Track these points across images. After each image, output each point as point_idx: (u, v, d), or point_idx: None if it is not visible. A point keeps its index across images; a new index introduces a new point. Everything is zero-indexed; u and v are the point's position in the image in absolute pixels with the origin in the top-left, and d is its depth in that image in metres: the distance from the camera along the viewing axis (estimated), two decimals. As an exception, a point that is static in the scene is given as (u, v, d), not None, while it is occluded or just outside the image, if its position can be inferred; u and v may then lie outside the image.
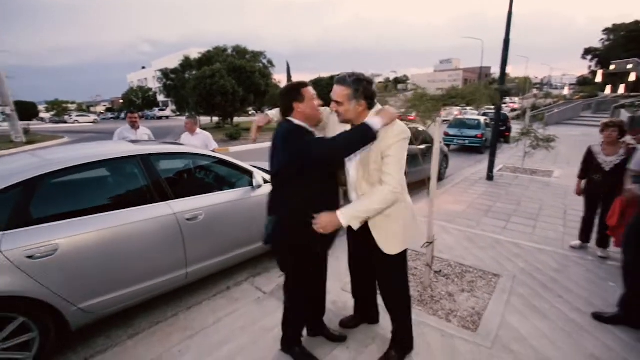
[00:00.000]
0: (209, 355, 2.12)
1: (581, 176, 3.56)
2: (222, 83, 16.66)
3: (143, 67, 63.42)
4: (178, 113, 39.53)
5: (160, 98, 35.83)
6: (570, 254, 3.48)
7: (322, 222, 1.64)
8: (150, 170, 2.51)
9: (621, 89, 26.20)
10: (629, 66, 27.08)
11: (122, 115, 40.28)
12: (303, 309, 2.04)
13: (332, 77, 29.67)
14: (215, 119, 22.57)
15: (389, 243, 1.79)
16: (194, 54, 23.49)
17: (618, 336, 2.23)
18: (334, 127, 1.86)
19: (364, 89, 1.64)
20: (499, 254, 3.48)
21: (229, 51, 21.32)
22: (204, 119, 19.91)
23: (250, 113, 42.93)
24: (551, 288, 2.84)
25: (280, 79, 29.80)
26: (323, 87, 31.44)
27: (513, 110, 24.13)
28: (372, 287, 2.24)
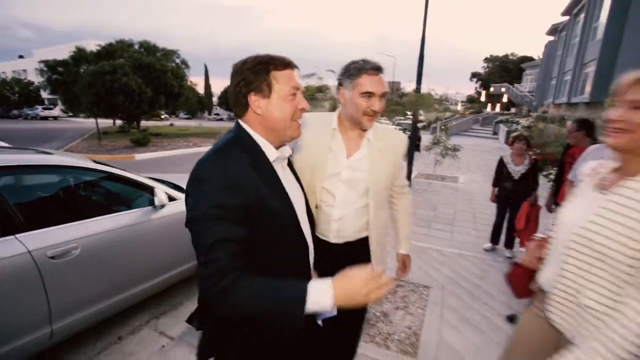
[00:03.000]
0: None
1: (495, 184, 3.86)
2: (125, 81, 14.43)
3: (21, 56, 52.74)
4: (70, 113, 33.59)
5: (46, 94, 29.87)
6: (485, 257, 3.71)
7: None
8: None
9: (498, 108, 31.66)
10: (502, 89, 32.98)
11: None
12: None
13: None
14: (119, 122, 19.67)
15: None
16: (91, 46, 20.16)
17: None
18: (374, 170, 1.37)
19: None
20: (426, 263, 3.51)
21: (136, 47, 18.79)
22: (103, 122, 17.10)
23: (162, 117, 38.96)
24: (477, 296, 2.91)
25: (197, 81, 27.77)
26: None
27: (420, 121, 26.98)
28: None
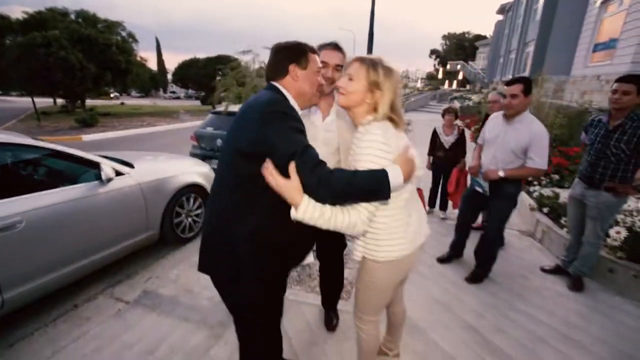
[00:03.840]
0: (43, 399, 1.66)
1: (430, 153, 4.28)
2: (62, 55, 13.11)
3: None
4: (-1, 92, 29.94)
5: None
6: (421, 218, 4.18)
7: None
8: None
9: (455, 85, 33.10)
10: (458, 66, 34.37)
11: None
12: None
13: (208, 59, 27.21)
14: (61, 101, 17.99)
15: None
16: (17, 14, 17.89)
17: (450, 279, 2.80)
18: (341, 131, 1.67)
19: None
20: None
21: (72, 16, 16.91)
22: (41, 101, 15.53)
23: (112, 95, 35.90)
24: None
25: (147, 57, 25.79)
26: (199, 68, 28.64)
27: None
28: None
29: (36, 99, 13.18)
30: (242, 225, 1.17)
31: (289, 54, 1.22)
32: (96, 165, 2.54)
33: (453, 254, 3.10)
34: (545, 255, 3.26)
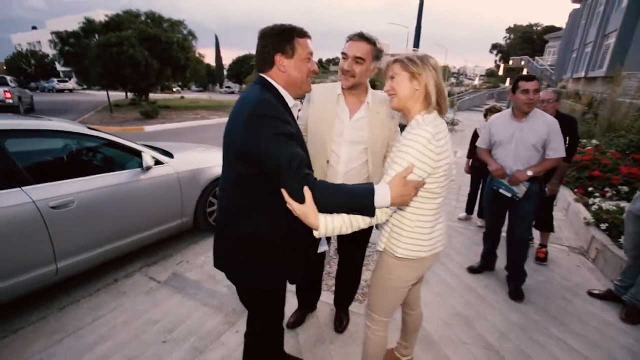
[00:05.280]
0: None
1: (469, 155, 4.00)
2: (131, 53, 14.54)
3: (34, 27, 52.82)
4: (84, 86, 34.12)
5: (60, 67, 30.37)
6: (456, 225, 3.93)
7: None
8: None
9: (517, 82, 30.44)
10: (522, 62, 31.46)
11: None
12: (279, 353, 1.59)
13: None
14: (130, 94, 20.01)
15: None
16: (100, 17, 20.15)
17: (476, 292, 2.60)
18: (373, 129, 1.64)
19: (378, 52, 1.55)
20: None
21: (142, 17, 18.67)
22: (114, 94, 17.42)
23: (174, 90, 39.01)
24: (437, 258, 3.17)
25: (205, 53, 27.52)
26: (252, 64, 29.82)
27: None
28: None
29: (111, 93, 14.82)
30: (243, 224, 1.18)
31: (274, 43, 1.14)
32: (139, 154, 2.79)
33: (485, 265, 2.89)
34: (597, 278, 2.88)
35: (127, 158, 2.84)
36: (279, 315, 1.45)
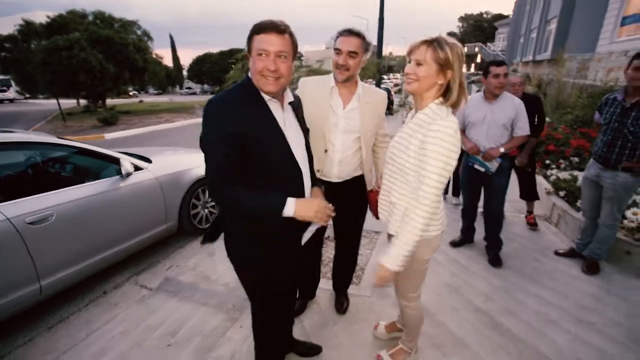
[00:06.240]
0: (79, 374, 1.83)
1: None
2: (83, 56, 13.58)
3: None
4: (27, 95, 31.32)
5: (-4, 76, 27.56)
6: (433, 205, 4.17)
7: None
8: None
9: (472, 68, 32.02)
10: (476, 49, 33.13)
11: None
12: (276, 343, 1.57)
13: (221, 53, 27.30)
14: (83, 101, 18.72)
15: None
16: (40, 18, 18.56)
17: (460, 263, 2.82)
18: (364, 119, 1.73)
19: (367, 45, 1.62)
20: (381, 213, 3.93)
21: (90, 18, 17.44)
22: (65, 102, 16.21)
23: (131, 94, 36.90)
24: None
25: (162, 54, 26.30)
26: (213, 63, 28.79)
27: (395, 85, 27.07)
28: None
29: (61, 101, 13.77)
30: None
31: (247, 41, 1.19)
32: (116, 161, 2.69)
33: (465, 238, 3.13)
34: (561, 239, 3.21)
35: (103, 166, 2.73)
36: (278, 307, 1.46)
